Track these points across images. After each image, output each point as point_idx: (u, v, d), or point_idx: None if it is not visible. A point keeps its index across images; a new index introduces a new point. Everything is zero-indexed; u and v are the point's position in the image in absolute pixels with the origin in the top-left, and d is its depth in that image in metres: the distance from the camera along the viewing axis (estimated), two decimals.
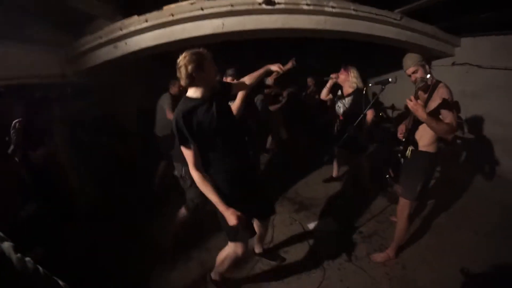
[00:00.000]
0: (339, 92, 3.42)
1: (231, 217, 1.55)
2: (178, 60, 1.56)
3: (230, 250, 1.89)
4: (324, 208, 3.46)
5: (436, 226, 3.03)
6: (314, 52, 5.27)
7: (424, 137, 2.20)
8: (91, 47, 3.49)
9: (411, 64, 2.12)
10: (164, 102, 3.71)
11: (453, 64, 4.73)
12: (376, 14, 3.50)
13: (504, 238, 2.72)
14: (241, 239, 1.82)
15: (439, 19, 4.09)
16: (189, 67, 1.52)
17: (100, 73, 3.84)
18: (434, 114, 2.00)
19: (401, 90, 3.83)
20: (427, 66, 2.15)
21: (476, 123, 4.47)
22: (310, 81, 5.39)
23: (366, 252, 2.66)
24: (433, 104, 2.08)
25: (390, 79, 2.37)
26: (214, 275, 2.13)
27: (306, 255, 2.68)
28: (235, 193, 1.75)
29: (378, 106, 3.07)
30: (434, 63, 4.95)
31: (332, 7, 3.20)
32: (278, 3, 2.98)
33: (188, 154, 1.61)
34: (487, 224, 2.98)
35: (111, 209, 3.27)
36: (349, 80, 3.24)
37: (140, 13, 3.20)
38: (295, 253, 2.72)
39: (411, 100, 1.89)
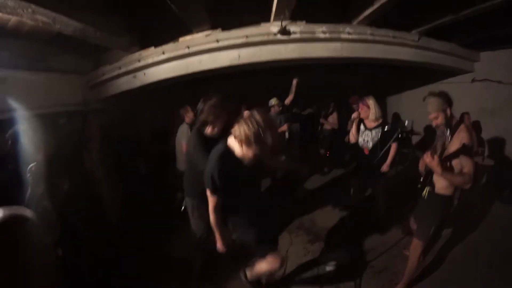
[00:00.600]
0: (362, 127, 3.19)
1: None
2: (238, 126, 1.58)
3: (267, 265, 1.98)
4: (338, 239, 3.32)
5: (450, 258, 2.87)
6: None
7: (442, 180, 2.09)
8: (111, 77, 3.52)
9: (432, 110, 2.05)
10: (182, 135, 3.55)
11: (473, 80, 4.50)
12: (393, 37, 3.34)
13: None
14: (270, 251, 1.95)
15: (459, 35, 3.88)
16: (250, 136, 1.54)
17: (121, 100, 3.87)
18: (453, 158, 1.96)
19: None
20: (448, 110, 2.04)
21: (496, 142, 4.25)
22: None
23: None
24: (453, 147, 1.99)
25: (406, 123, 2.30)
26: (249, 275, 2.22)
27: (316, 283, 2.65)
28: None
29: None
30: (453, 79, 4.75)
31: (349, 33, 3.07)
32: (294, 33, 2.88)
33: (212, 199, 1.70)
34: (503, 254, 2.82)
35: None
36: (370, 113, 3.06)
37: (156, 43, 3.21)
38: (306, 285, 2.69)
39: (428, 156, 1.87)
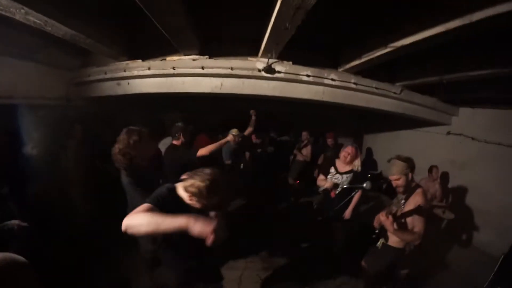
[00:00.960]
0: (333, 169, 3.07)
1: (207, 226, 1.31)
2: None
3: None
4: (292, 274, 3.29)
5: None
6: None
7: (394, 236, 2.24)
8: (96, 79, 3.47)
9: (395, 172, 2.16)
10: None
11: (448, 133, 4.62)
12: (377, 88, 3.39)
13: None
14: None
15: (441, 91, 3.99)
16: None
17: (103, 102, 3.82)
18: (406, 217, 2.15)
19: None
20: (410, 175, 2.17)
21: (460, 194, 4.38)
22: (305, 135, 5.23)
23: None
24: (407, 207, 2.16)
25: (365, 185, 2.42)
26: None
27: None
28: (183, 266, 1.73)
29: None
30: (430, 129, 4.87)
31: (332, 79, 3.11)
32: (278, 72, 2.90)
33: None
34: None
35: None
36: (354, 162, 2.96)
37: (144, 56, 3.18)
38: None
39: (383, 215, 2.03)
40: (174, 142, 2.88)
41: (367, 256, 2.61)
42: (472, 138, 4.26)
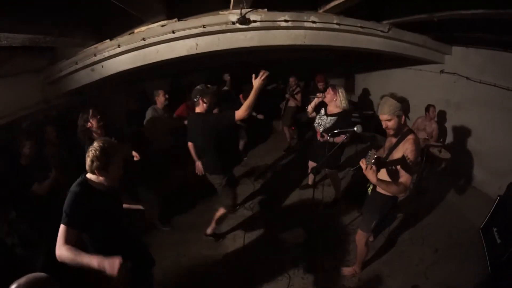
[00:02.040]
0: (323, 110, 3.07)
1: (115, 263, 1.27)
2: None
3: None
4: (296, 218, 3.31)
5: (400, 242, 2.93)
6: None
7: None
8: (68, 72, 3.19)
9: (387, 111, 1.84)
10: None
11: (441, 72, 4.32)
12: (362, 27, 3.09)
13: (461, 255, 2.69)
14: None
15: (432, 30, 3.69)
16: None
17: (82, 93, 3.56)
18: (393, 165, 1.89)
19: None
20: (403, 117, 1.86)
21: (456, 133, 4.17)
22: (292, 80, 4.92)
23: (329, 264, 2.67)
24: (397, 154, 1.88)
25: (355, 128, 2.17)
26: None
27: (274, 263, 2.69)
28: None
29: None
30: (422, 67, 4.57)
31: (313, 22, 2.81)
32: (254, 21, 2.61)
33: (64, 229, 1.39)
34: (450, 240, 2.90)
35: None
36: (335, 100, 2.92)
37: (112, 34, 2.90)
38: (265, 260, 2.73)
39: (363, 163, 1.71)
40: (197, 109, 2.49)
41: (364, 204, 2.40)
42: (467, 78, 3.97)
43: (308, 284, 2.49)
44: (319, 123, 3.05)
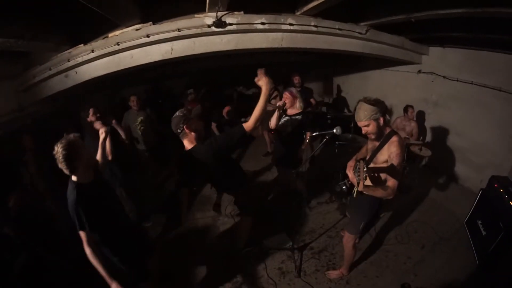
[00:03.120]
0: (284, 117, 2.95)
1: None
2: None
3: None
4: (279, 222, 3.19)
5: (386, 240, 2.90)
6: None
7: None
8: (42, 78, 3.03)
9: (362, 117, 1.76)
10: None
11: (419, 72, 4.36)
12: (340, 29, 3.06)
13: (448, 250, 2.69)
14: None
15: (410, 31, 3.71)
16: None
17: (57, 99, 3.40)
18: (380, 171, 1.83)
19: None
20: (381, 119, 1.77)
21: (435, 131, 4.22)
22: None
23: (314, 268, 2.61)
24: (381, 157, 1.82)
25: (335, 130, 2.05)
26: None
27: (259, 270, 2.62)
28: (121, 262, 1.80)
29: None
30: (400, 68, 4.60)
31: (290, 24, 2.76)
32: (230, 24, 2.54)
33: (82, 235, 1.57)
34: (435, 236, 2.89)
35: None
36: (295, 104, 2.87)
37: (86, 39, 2.78)
38: (250, 267, 2.65)
39: (350, 171, 1.76)
40: (186, 144, 1.95)
41: (349, 207, 2.38)
42: (444, 77, 4.03)
43: None
44: (284, 124, 2.93)
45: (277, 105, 2.72)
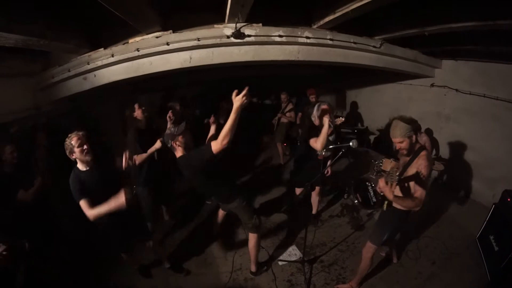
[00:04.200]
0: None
1: (121, 195, 1.90)
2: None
3: None
4: (289, 235, 3.24)
5: (394, 254, 2.85)
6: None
7: None
8: (61, 79, 3.12)
9: (398, 135, 1.94)
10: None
11: (432, 85, 4.38)
12: (355, 43, 3.11)
13: (459, 266, 2.67)
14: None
15: (423, 44, 3.74)
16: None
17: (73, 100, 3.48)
18: (408, 181, 1.97)
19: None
20: (414, 137, 1.95)
21: (448, 145, 4.20)
22: (284, 97, 4.88)
23: (324, 282, 2.61)
24: (411, 171, 1.95)
25: (351, 143, 2.10)
26: None
27: (268, 282, 2.64)
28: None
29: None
30: (413, 81, 4.62)
31: (307, 37, 2.81)
32: (248, 36, 2.60)
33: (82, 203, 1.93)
34: (446, 251, 2.88)
35: None
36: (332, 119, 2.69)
37: (106, 42, 2.85)
38: (259, 278, 2.67)
39: (382, 182, 1.89)
40: (177, 154, 2.14)
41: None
42: (457, 90, 4.04)
43: None
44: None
45: (324, 121, 2.50)
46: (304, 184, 2.60)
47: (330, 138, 2.79)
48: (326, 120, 2.50)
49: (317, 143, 2.57)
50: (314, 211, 3.40)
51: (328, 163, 2.82)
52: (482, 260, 2.65)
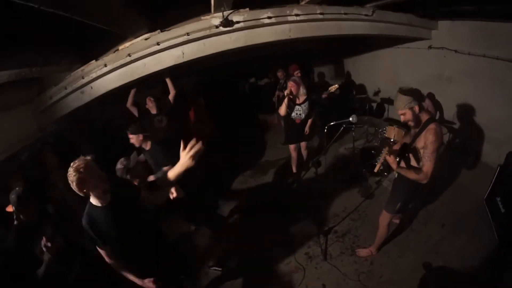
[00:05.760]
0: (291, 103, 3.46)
1: (148, 284, 1.68)
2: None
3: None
4: (303, 209, 3.33)
5: (405, 221, 2.91)
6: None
7: None
8: (59, 98, 3.15)
9: (399, 107, 1.96)
10: None
11: (430, 47, 4.28)
12: (346, 14, 3.06)
13: (468, 228, 2.70)
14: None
15: (416, 8, 3.66)
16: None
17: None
18: (414, 152, 2.02)
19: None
20: (416, 107, 1.92)
21: (451, 107, 4.09)
22: (280, 74, 4.82)
23: (339, 251, 2.73)
24: (419, 143, 1.95)
25: (351, 119, 2.27)
26: None
27: (287, 256, 2.77)
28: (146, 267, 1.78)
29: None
30: (410, 45, 4.51)
31: (296, 15, 2.77)
32: (237, 22, 2.57)
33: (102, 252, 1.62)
34: (456, 215, 2.89)
35: None
36: (300, 91, 3.37)
37: (96, 55, 2.86)
38: (279, 255, 2.79)
39: (386, 151, 1.89)
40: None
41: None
42: (455, 51, 3.92)
43: (322, 273, 2.55)
44: (298, 113, 3.50)
45: (285, 93, 3.19)
46: (290, 141, 3.77)
47: (303, 106, 3.46)
48: (286, 92, 3.26)
49: (280, 110, 3.44)
50: (304, 160, 4.03)
51: (308, 122, 3.62)
52: (490, 221, 2.63)
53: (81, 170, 1.40)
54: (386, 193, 2.86)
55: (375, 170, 1.97)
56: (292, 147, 3.86)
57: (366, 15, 3.26)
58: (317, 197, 3.37)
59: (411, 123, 1.99)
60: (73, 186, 1.42)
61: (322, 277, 2.51)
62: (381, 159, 1.90)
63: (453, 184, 3.40)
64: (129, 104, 3.76)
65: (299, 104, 3.45)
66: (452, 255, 2.44)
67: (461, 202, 3.04)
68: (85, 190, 1.45)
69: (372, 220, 2.93)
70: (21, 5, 1.38)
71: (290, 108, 3.44)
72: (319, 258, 2.67)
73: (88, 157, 1.53)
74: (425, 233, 2.73)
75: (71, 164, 1.44)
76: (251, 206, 3.63)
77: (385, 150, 1.87)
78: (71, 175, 1.41)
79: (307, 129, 3.65)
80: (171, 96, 3.71)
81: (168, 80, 3.62)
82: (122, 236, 1.60)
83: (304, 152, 4.01)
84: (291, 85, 3.29)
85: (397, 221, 2.81)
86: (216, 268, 2.74)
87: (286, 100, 3.26)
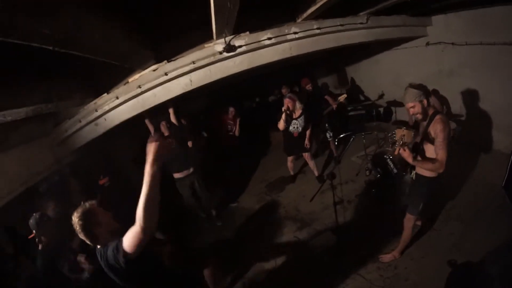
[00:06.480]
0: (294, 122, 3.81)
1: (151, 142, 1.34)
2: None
3: None
4: (322, 222, 3.42)
5: (425, 222, 2.92)
6: None
7: None
8: (74, 131, 3.30)
9: (409, 100, 2.08)
10: None
11: (427, 44, 4.36)
12: (342, 25, 3.16)
13: (488, 219, 2.73)
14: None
15: (408, 9, 3.74)
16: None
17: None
18: (427, 145, 2.12)
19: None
20: (425, 101, 2.05)
21: (457, 100, 4.14)
22: (285, 90, 4.96)
23: (363, 262, 2.73)
24: (430, 135, 2.06)
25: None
26: None
27: (311, 267, 2.82)
28: None
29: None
30: (408, 45, 4.60)
31: (295, 32, 2.89)
32: (239, 46, 2.69)
33: None
34: (472, 209, 2.93)
35: None
36: (296, 105, 3.72)
37: (108, 88, 3.01)
38: (302, 266, 2.83)
39: (399, 147, 2.03)
40: None
41: (409, 190, 2.53)
42: (453, 44, 4.01)
43: (347, 281, 2.59)
44: (295, 127, 3.84)
45: (283, 109, 3.55)
46: (289, 153, 4.19)
47: (299, 120, 3.79)
48: (283, 108, 3.60)
49: (279, 125, 3.77)
50: (316, 174, 4.26)
51: (307, 133, 3.95)
52: (511, 207, 2.60)
53: (83, 217, 1.41)
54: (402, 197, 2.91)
55: (395, 153, 2.11)
56: (290, 158, 4.28)
57: (361, 23, 3.36)
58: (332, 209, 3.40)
59: (419, 116, 2.08)
60: (80, 232, 1.43)
61: (347, 285, 2.54)
62: (398, 142, 2.03)
63: (468, 178, 3.43)
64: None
65: (296, 119, 3.78)
66: (475, 249, 2.44)
67: (479, 195, 3.06)
68: (92, 235, 1.44)
69: (389, 225, 2.94)
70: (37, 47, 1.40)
71: (288, 122, 3.75)
72: (341, 267, 2.70)
73: (88, 204, 1.50)
74: (446, 231, 2.76)
75: (74, 213, 1.44)
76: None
77: (399, 132, 2.03)
78: (76, 223, 1.42)
79: (307, 142, 3.97)
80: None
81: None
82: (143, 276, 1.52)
83: (310, 163, 4.21)
84: (287, 102, 3.62)
85: (419, 222, 2.84)
86: None
87: (283, 115, 3.60)
